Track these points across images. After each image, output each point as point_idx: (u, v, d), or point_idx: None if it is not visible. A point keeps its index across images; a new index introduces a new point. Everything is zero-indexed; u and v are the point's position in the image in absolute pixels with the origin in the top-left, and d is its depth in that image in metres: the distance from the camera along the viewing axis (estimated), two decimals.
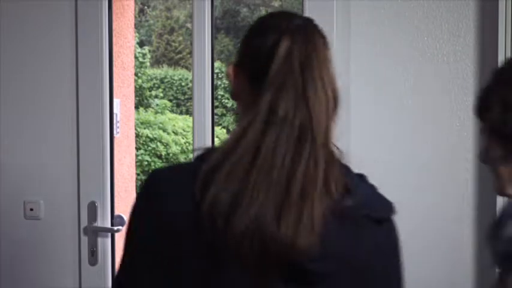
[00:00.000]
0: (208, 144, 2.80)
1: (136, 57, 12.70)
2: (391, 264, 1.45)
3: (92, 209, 2.94)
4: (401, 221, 2.62)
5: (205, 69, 2.79)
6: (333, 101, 1.45)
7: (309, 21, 1.40)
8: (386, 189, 2.64)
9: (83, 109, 2.91)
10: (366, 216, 1.39)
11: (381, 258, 1.40)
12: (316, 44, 1.37)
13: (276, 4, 24.20)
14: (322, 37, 1.39)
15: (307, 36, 1.36)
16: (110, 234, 2.98)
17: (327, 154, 1.35)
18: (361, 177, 1.50)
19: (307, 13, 2.60)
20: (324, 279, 1.31)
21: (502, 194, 1.53)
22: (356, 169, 2.63)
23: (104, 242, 2.97)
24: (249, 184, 1.23)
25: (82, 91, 2.90)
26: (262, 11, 24.56)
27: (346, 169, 1.42)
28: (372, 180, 2.64)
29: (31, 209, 3.02)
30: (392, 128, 2.57)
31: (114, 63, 3.17)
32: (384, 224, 1.46)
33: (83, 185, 2.95)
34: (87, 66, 2.90)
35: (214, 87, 2.88)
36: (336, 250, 1.32)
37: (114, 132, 3.22)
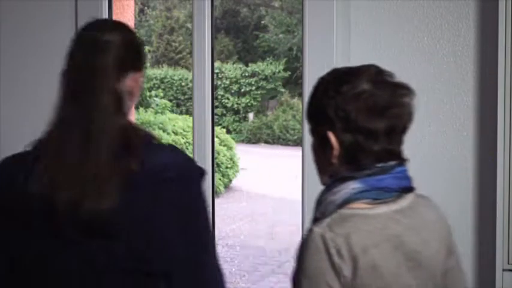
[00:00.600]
0: (209, 144, 2.80)
1: None
2: (184, 220, 1.68)
3: None
4: None
5: (205, 69, 2.79)
6: (115, 104, 1.68)
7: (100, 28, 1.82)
8: None
9: None
10: (156, 178, 1.66)
11: (171, 215, 1.67)
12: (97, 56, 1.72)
13: (276, 4, 24.21)
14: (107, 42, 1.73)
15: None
16: None
17: (116, 138, 1.65)
18: (171, 147, 1.77)
19: (307, 14, 2.61)
20: (119, 235, 1.64)
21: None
22: None
23: None
24: (48, 165, 1.65)
25: None
26: (262, 11, 24.57)
27: (147, 143, 1.70)
28: None
29: None
30: None
31: None
32: (176, 183, 1.68)
33: None
34: None
35: (214, 87, 2.88)
36: (127, 209, 1.64)
37: None
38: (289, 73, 22.24)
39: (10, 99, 3.05)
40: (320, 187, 2.61)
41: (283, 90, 22.23)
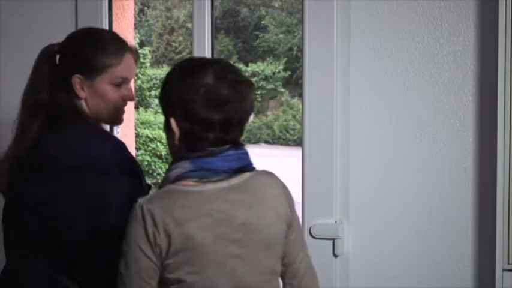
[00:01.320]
0: None
1: None
2: (92, 205, 1.94)
3: None
4: (401, 221, 2.63)
5: None
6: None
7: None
8: (386, 189, 2.65)
9: None
10: (45, 165, 2.00)
11: (79, 196, 1.96)
12: None
13: (276, 4, 24.19)
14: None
15: None
16: None
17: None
18: (107, 137, 2.09)
19: (307, 14, 2.60)
20: (12, 218, 2.05)
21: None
22: (355, 169, 2.64)
23: None
24: None
25: None
26: (262, 11, 24.55)
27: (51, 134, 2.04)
28: (372, 180, 2.65)
29: None
30: (392, 129, 2.57)
31: None
32: (66, 173, 1.97)
33: None
34: None
35: None
36: (18, 193, 2.04)
37: (114, 132, 3.22)
38: (289, 73, 22.22)
39: (11, 100, 3.04)
40: (320, 187, 2.61)
41: (283, 90, 22.21)
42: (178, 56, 22.78)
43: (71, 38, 2.20)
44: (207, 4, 2.80)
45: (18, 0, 3.03)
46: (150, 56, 16.29)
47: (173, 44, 23.52)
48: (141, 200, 1.76)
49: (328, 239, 2.60)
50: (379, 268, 2.60)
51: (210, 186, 1.79)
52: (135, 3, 10.58)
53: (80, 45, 2.15)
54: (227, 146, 1.82)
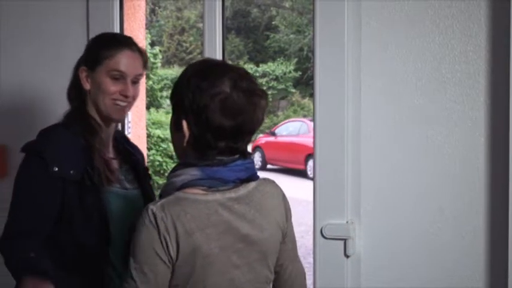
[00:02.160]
0: None
1: None
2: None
3: None
4: (412, 221, 2.62)
5: None
6: None
7: None
8: (397, 189, 2.65)
9: None
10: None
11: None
12: None
13: (287, 5, 24.19)
14: None
15: None
16: None
17: None
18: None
19: (318, 14, 2.60)
20: None
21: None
22: (367, 170, 2.64)
23: None
24: None
25: None
26: (273, 12, 24.55)
27: None
28: (383, 180, 2.65)
29: None
30: (404, 129, 2.56)
31: None
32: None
33: None
34: None
35: None
36: None
37: (126, 132, 3.23)
38: (300, 73, 22.23)
39: (23, 100, 3.06)
40: (332, 188, 2.61)
41: (293, 90, 22.23)
42: (189, 56, 22.82)
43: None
44: (218, 4, 2.81)
45: (30, 1, 3.05)
46: (160, 56, 16.31)
47: (184, 44, 23.57)
48: (152, 207, 1.76)
49: (340, 239, 2.60)
50: (390, 268, 2.59)
51: (218, 196, 1.80)
52: (146, 3, 10.59)
53: (89, 42, 2.36)
54: (236, 156, 1.83)
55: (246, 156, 1.87)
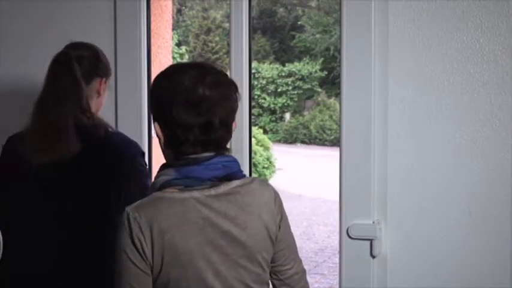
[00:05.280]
0: (246, 144, 2.80)
1: (173, 58, 12.76)
2: None
3: None
4: (439, 221, 2.60)
5: (243, 70, 2.79)
6: None
7: None
8: (424, 189, 2.63)
9: (121, 109, 2.94)
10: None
11: None
12: None
13: (313, 4, 24.16)
14: None
15: None
16: None
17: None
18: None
19: (345, 13, 2.60)
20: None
21: None
22: (393, 169, 2.62)
23: None
24: None
25: (120, 91, 2.93)
26: (299, 11, 24.54)
27: None
28: (410, 180, 2.63)
29: None
30: (431, 129, 2.55)
31: (152, 63, 3.19)
32: None
33: None
34: (125, 67, 2.93)
35: (251, 88, 2.89)
36: None
37: (153, 132, 3.24)
38: (326, 73, 22.20)
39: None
40: (358, 188, 2.61)
41: (319, 90, 22.21)
42: (215, 56, 22.90)
43: None
44: (244, 4, 2.81)
45: (56, 2, 3.07)
46: (187, 56, 16.38)
47: (210, 44, 23.65)
48: (128, 209, 1.80)
49: (366, 239, 2.59)
50: (417, 269, 2.58)
51: (195, 194, 1.82)
52: (173, 3, 10.64)
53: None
54: (211, 154, 1.84)
55: (224, 152, 1.88)
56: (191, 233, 1.79)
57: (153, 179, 1.91)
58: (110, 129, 2.41)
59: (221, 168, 1.84)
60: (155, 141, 2.21)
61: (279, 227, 1.94)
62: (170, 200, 1.80)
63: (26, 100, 2.43)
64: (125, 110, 2.94)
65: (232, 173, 1.87)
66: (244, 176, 1.91)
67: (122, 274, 1.79)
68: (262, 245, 1.88)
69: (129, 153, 2.36)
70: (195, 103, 1.79)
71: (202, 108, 1.80)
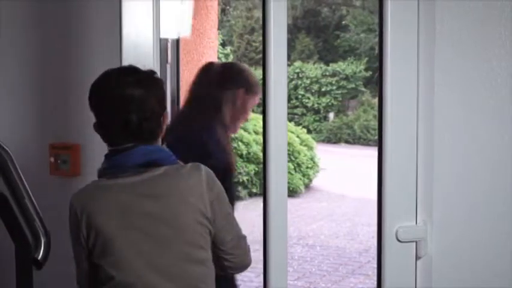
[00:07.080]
0: (284, 144, 2.79)
1: (218, 58, 12.82)
2: None
3: None
4: (485, 223, 2.58)
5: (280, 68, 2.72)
6: None
7: None
8: (470, 190, 2.61)
9: None
10: None
11: None
12: None
13: (358, 3, 24.03)
14: None
15: None
16: None
17: None
18: None
19: (388, 14, 2.57)
20: None
21: None
22: (439, 170, 2.59)
23: None
24: None
25: None
26: (343, 11, 24.43)
27: None
28: (456, 181, 2.61)
29: None
30: (478, 129, 2.53)
31: (198, 63, 3.22)
32: None
33: None
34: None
35: (295, 87, 2.86)
36: None
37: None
38: (370, 73, 22.04)
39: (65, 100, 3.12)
40: (398, 187, 2.59)
41: (364, 89, 22.06)
42: (259, 55, 22.89)
43: None
44: (282, 4, 2.78)
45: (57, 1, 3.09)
46: (231, 56, 16.42)
47: (253, 43, 23.67)
48: (73, 195, 2.06)
49: (412, 241, 2.57)
50: (462, 270, 2.56)
51: (120, 181, 2.03)
52: (218, 4, 10.70)
53: None
54: (130, 144, 2.03)
55: (141, 142, 2.03)
56: (112, 217, 2.00)
57: None
58: None
59: (141, 155, 2.03)
60: None
61: (212, 209, 2.06)
62: (99, 188, 2.05)
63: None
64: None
65: (155, 160, 2.04)
66: (175, 161, 2.09)
67: (76, 257, 2.09)
68: (191, 226, 2.03)
69: None
70: (112, 103, 2.02)
71: (120, 107, 2.00)
